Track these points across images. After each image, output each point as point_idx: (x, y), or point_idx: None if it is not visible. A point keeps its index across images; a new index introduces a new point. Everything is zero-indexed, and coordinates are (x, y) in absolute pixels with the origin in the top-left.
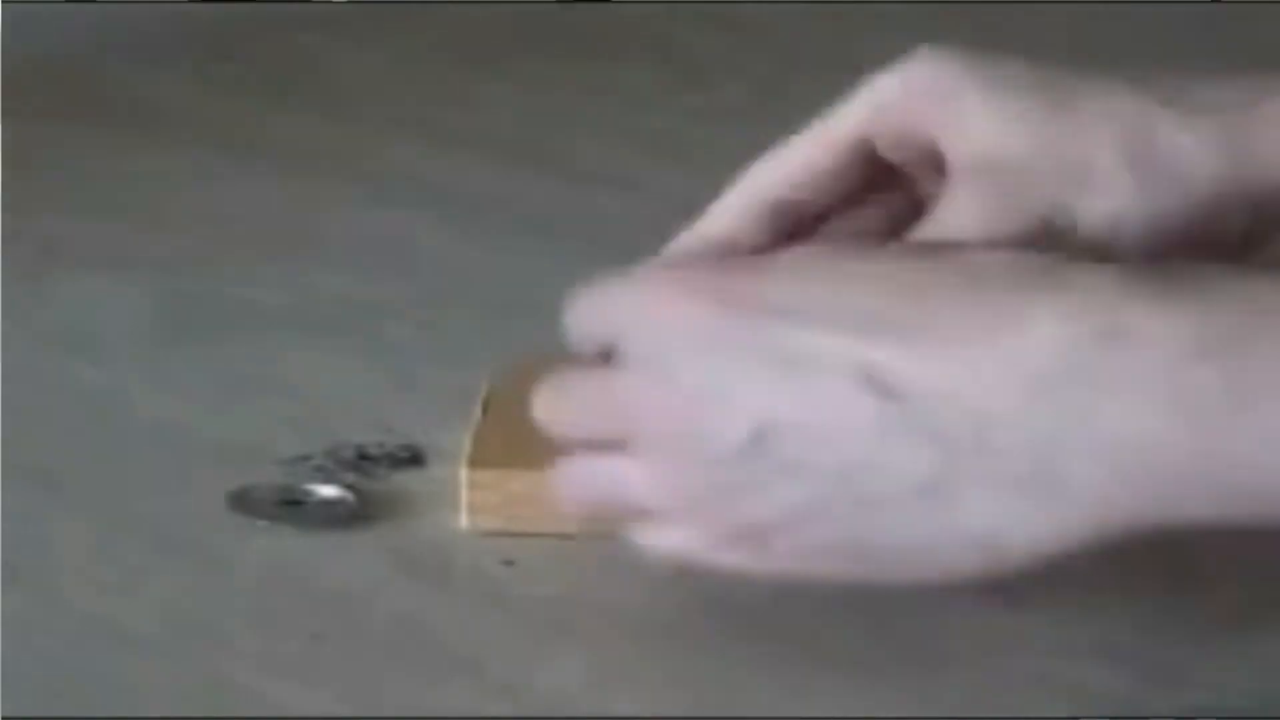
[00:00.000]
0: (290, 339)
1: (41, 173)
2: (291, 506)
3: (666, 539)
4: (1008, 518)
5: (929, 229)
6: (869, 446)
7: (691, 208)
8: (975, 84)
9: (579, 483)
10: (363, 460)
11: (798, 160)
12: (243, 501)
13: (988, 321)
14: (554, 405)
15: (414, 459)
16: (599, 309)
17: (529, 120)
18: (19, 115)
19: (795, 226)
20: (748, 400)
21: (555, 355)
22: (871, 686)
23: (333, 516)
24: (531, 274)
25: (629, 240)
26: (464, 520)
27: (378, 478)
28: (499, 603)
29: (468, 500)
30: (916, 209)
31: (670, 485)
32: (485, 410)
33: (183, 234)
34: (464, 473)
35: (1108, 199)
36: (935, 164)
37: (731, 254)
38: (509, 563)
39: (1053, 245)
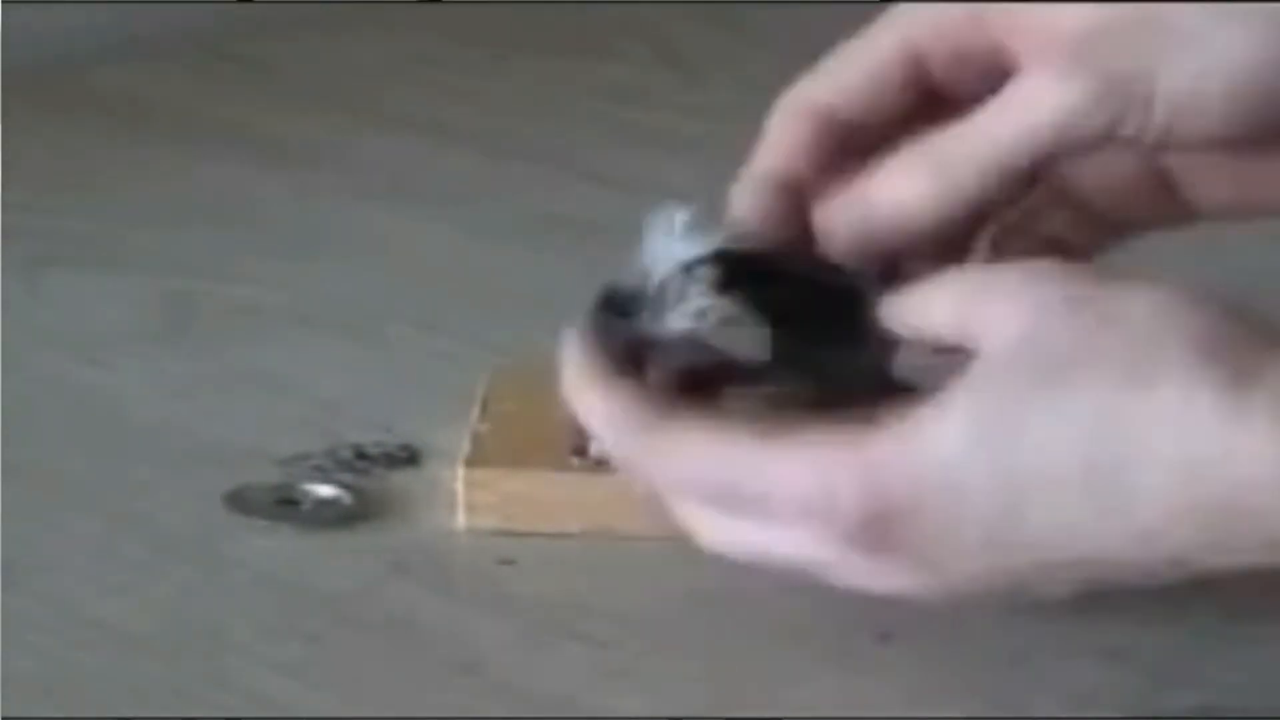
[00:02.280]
0: (290, 339)
1: (41, 173)
2: (288, 506)
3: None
4: None
5: (1008, 115)
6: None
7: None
8: None
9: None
10: (360, 460)
11: (847, 73)
12: (239, 501)
13: None
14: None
15: (412, 459)
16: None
17: (528, 118)
18: (19, 115)
19: (848, 149)
20: None
21: (554, 354)
22: (873, 685)
23: (330, 516)
24: (530, 273)
25: (628, 238)
26: (461, 520)
27: (375, 477)
28: (498, 602)
29: (465, 499)
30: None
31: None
32: (483, 409)
33: (182, 233)
34: (461, 472)
35: (1191, 57)
36: (988, 83)
37: (792, 191)
38: (507, 562)
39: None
